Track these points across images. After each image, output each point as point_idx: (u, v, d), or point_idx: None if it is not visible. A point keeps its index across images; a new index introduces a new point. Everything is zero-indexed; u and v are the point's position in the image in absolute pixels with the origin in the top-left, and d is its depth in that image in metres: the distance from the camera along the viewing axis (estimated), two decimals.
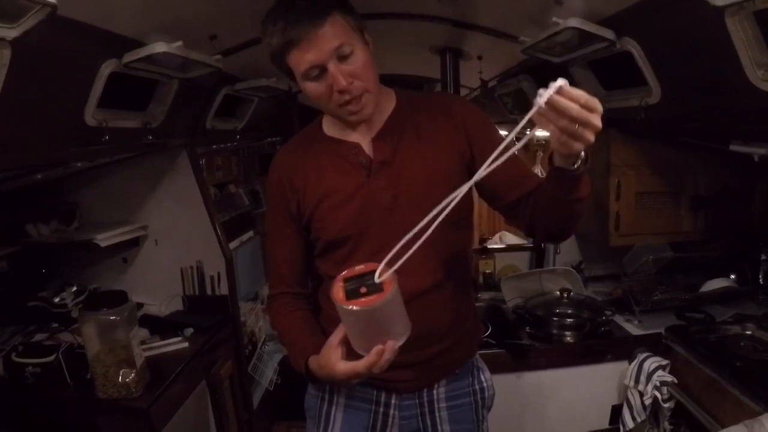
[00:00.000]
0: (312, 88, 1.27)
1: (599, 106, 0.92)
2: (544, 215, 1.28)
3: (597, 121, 0.92)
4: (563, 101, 0.90)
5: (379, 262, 1.38)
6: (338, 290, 1.09)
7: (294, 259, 1.51)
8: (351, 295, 1.08)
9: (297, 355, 1.40)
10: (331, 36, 1.20)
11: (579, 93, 0.91)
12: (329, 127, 1.45)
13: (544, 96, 0.90)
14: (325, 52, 1.20)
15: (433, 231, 1.24)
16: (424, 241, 1.36)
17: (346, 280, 1.11)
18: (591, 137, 0.95)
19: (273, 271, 1.56)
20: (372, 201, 1.36)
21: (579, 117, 0.91)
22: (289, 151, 1.49)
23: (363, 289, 1.08)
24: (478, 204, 1.61)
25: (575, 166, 1.08)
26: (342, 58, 1.23)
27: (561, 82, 0.90)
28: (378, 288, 1.07)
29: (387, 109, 1.41)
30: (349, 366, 1.19)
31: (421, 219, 1.34)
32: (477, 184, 1.22)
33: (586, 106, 0.91)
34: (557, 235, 1.41)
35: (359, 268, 1.12)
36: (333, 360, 1.22)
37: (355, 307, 1.06)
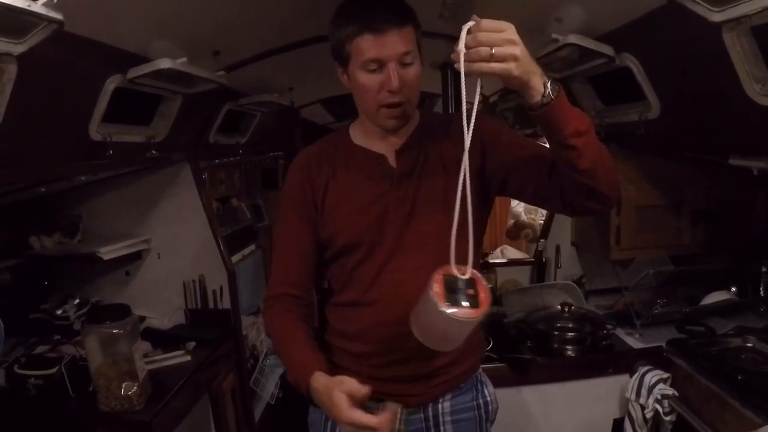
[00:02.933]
0: (365, 79, 1.32)
1: (504, 25, 1.03)
2: (564, 177, 1.22)
3: (509, 35, 1.03)
4: (481, 35, 1.02)
5: (390, 269, 1.39)
6: (439, 288, 1.09)
7: (303, 257, 1.49)
8: (449, 295, 1.08)
9: (298, 367, 1.38)
10: (403, 41, 1.28)
11: (486, 24, 1.02)
12: (357, 136, 1.49)
13: (461, 41, 1.02)
14: (393, 52, 1.27)
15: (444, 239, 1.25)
16: (436, 252, 1.38)
17: (444, 276, 1.11)
18: (515, 50, 1.03)
19: (277, 269, 1.52)
20: (390, 211, 1.40)
21: (488, 41, 1.01)
22: (314, 151, 1.52)
23: (462, 296, 1.09)
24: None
25: (543, 98, 1.11)
26: (403, 65, 1.29)
27: (466, 27, 1.02)
28: (474, 302, 1.09)
29: (412, 125, 1.46)
30: (356, 413, 1.18)
31: (434, 233, 1.35)
32: (501, 183, 1.36)
33: (491, 30, 1.02)
34: (589, 193, 1.22)
35: (453, 271, 1.12)
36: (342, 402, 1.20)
37: (457, 315, 1.06)
